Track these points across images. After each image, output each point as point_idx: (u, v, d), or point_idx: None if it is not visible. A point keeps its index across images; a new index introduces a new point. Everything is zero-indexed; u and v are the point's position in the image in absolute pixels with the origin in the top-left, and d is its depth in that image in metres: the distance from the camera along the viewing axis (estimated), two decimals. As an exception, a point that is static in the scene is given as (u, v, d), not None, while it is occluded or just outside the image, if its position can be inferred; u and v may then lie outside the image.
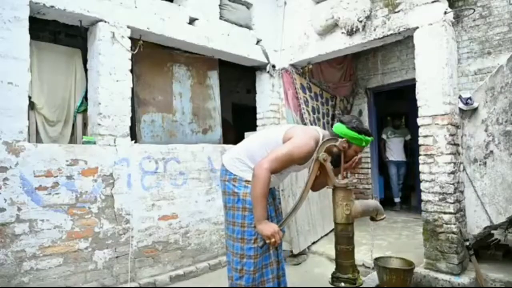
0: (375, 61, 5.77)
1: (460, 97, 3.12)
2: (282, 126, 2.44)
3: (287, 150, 1.94)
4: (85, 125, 3.47)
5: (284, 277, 2.29)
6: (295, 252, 3.82)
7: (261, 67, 4.48)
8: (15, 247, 2.48)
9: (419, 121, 3.14)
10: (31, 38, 2.68)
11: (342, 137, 2.02)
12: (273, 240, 1.86)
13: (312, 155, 2.03)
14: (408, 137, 6.28)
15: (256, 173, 1.90)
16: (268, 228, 1.89)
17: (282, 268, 2.29)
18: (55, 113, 3.45)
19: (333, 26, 3.83)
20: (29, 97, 2.96)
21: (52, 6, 2.74)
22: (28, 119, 2.67)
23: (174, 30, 3.48)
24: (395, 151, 6.21)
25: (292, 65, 4.42)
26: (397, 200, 6.27)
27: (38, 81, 3.29)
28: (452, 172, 2.96)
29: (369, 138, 2.06)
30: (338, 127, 2.07)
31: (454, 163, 2.99)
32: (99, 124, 2.98)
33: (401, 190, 6.32)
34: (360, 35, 3.62)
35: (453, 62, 3.19)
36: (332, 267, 2.52)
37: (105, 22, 3.02)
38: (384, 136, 6.42)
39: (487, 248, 3.33)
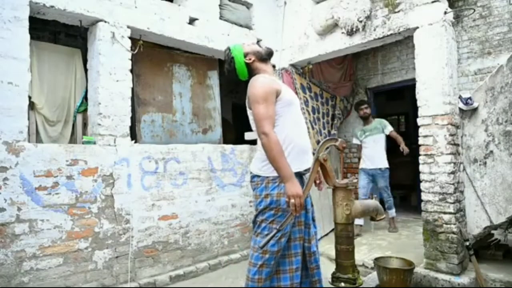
0: (375, 61, 5.76)
1: (460, 97, 3.12)
2: None
3: (257, 106, 1.91)
4: (85, 125, 3.47)
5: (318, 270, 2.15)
6: (295, 252, 3.81)
7: (261, 67, 4.47)
8: (15, 247, 2.48)
9: (419, 121, 3.15)
10: (31, 38, 2.69)
11: (240, 57, 2.19)
12: (292, 201, 1.78)
13: (274, 83, 2.00)
14: (388, 129, 4.48)
15: (263, 142, 1.87)
16: (294, 188, 1.80)
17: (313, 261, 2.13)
18: (55, 113, 3.45)
19: (333, 26, 3.83)
20: (29, 97, 2.96)
21: (52, 6, 2.74)
22: (28, 119, 2.67)
23: (174, 30, 3.49)
24: (370, 156, 4.48)
25: (292, 65, 4.42)
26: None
27: (38, 81, 3.29)
28: (452, 172, 2.96)
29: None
30: (237, 60, 2.20)
31: (454, 163, 2.99)
32: (99, 124, 2.98)
33: (389, 204, 4.57)
34: (360, 35, 3.62)
35: (453, 62, 3.20)
36: (332, 267, 2.53)
37: (105, 22, 3.03)
38: (355, 141, 4.75)
39: (487, 248, 3.33)
